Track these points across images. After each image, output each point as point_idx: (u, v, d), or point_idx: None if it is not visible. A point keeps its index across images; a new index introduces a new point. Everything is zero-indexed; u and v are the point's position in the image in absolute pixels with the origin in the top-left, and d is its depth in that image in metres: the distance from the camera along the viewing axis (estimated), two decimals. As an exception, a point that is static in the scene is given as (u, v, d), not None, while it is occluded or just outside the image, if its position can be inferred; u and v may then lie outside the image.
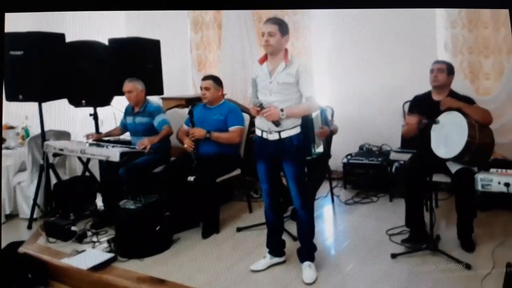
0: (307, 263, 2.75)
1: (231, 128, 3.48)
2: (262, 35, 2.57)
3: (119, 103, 3.84)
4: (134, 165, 3.39)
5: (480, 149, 2.85)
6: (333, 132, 3.71)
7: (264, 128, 2.65)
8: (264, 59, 2.64)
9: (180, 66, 4.97)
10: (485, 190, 2.46)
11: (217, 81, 3.55)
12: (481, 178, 2.46)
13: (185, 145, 3.44)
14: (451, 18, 4.10)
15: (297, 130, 2.64)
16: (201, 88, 3.55)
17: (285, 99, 2.59)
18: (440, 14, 4.16)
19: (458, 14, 4.07)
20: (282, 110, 2.55)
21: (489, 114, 2.97)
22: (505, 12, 3.92)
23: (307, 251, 2.78)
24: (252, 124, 3.69)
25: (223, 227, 3.45)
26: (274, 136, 2.63)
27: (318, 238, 3.36)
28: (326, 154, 3.71)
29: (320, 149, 3.58)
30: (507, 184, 2.40)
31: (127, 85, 3.57)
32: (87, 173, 3.84)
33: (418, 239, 3.01)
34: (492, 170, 2.50)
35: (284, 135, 2.62)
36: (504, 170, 2.48)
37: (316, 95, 2.64)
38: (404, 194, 3.25)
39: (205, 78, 3.60)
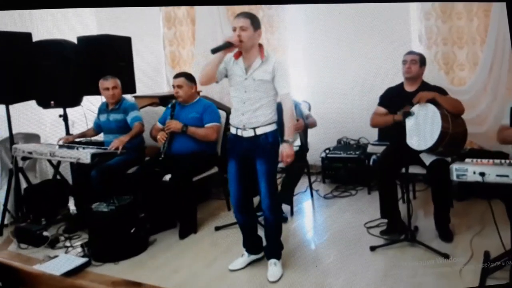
0: (272, 260, 2.72)
1: (207, 125, 3.42)
2: (233, 30, 2.50)
3: (90, 103, 3.74)
4: (106, 166, 3.30)
5: (453, 140, 2.87)
6: (308, 126, 3.70)
7: (238, 125, 2.61)
8: (239, 54, 2.57)
9: (153, 63, 4.88)
10: (460, 180, 2.45)
11: (189, 78, 3.48)
12: (456, 168, 2.44)
13: (158, 137, 3.36)
14: (425, 10, 4.12)
15: (273, 126, 2.60)
16: (173, 86, 3.48)
17: (260, 96, 2.55)
18: (414, 6, 4.17)
19: (432, 5, 4.08)
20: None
21: (460, 104, 2.99)
22: (477, 2, 3.97)
23: (274, 249, 2.75)
24: (228, 121, 3.65)
25: (201, 227, 3.40)
26: (249, 133, 2.58)
27: (298, 232, 3.36)
28: (304, 147, 3.69)
29: (297, 142, 3.57)
30: (482, 174, 2.39)
31: (110, 81, 3.49)
32: (58, 177, 3.73)
33: (396, 230, 3.00)
34: (467, 160, 2.49)
35: (259, 131, 2.57)
36: (479, 160, 2.47)
37: (292, 92, 2.61)
38: (378, 185, 3.28)
39: (177, 75, 3.52)
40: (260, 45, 2.56)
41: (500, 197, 2.61)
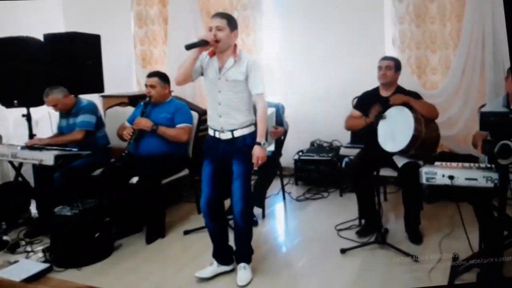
0: (242, 264, 2.67)
1: (179, 126, 3.34)
2: (209, 30, 2.45)
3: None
4: (70, 168, 3.20)
5: (426, 143, 2.89)
6: (286, 132, 3.67)
7: (216, 128, 2.57)
8: (213, 52, 2.52)
9: (123, 62, 4.79)
10: (429, 183, 2.46)
11: (163, 78, 3.40)
12: (425, 171, 2.44)
13: (124, 132, 3.27)
14: (399, 14, 4.16)
15: (251, 129, 2.57)
16: (146, 85, 3.39)
17: (234, 97, 2.51)
18: (388, 10, 4.21)
19: (406, 9, 4.12)
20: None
21: (435, 109, 3.02)
22: (450, 7, 4.02)
23: (243, 253, 2.70)
24: (201, 122, 3.59)
25: (170, 231, 3.32)
26: (227, 135, 2.55)
27: (270, 236, 3.32)
28: (277, 153, 3.66)
29: (271, 147, 3.53)
30: (451, 177, 2.40)
31: (47, 101, 3.40)
32: (19, 179, 3.59)
33: (373, 230, 3.00)
34: (436, 163, 2.50)
35: (237, 134, 2.55)
36: (448, 163, 2.48)
37: (266, 93, 2.58)
38: (354, 188, 3.30)
39: (151, 74, 3.44)
40: (235, 45, 2.53)
41: (468, 200, 2.63)
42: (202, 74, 2.58)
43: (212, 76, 2.53)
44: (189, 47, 2.39)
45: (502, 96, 2.83)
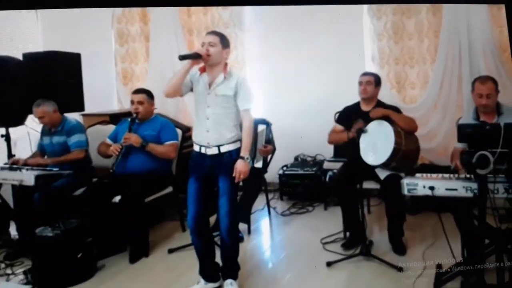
0: (228, 281, 2.66)
1: (167, 143, 3.33)
2: (202, 46, 2.53)
3: (34, 122, 3.55)
4: (51, 189, 3.14)
5: (406, 155, 2.95)
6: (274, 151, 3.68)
7: (202, 143, 2.58)
8: (204, 69, 2.58)
9: (103, 80, 4.74)
10: (411, 194, 2.51)
11: (150, 95, 3.41)
12: (407, 183, 2.50)
13: (111, 148, 3.23)
14: (378, 31, 4.27)
15: (237, 144, 2.58)
16: (132, 102, 3.37)
17: (222, 112, 2.55)
18: (367, 27, 4.32)
19: (384, 26, 4.24)
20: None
21: (414, 122, 3.10)
22: (427, 24, 4.15)
23: (230, 270, 2.69)
24: (184, 139, 3.57)
25: (154, 250, 3.27)
26: (213, 151, 2.56)
27: (255, 252, 3.31)
28: (263, 170, 3.67)
29: (259, 164, 3.55)
30: (431, 188, 2.45)
31: (36, 111, 3.34)
32: (-2, 200, 3.50)
33: (359, 243, 3.02)
34: (417, 175, 2.56)
35: (223, 149, 2.56)
36: (428, 175, 2.54)
37: (253, 109, 2.61)
38: (339, 201, 3.33)
39: (137, 91, 3.43)
40: (226, 64, 2.59)
41: (449, 210, 2.67)
42: (191, 89, 2.62)
43: (201, 91, 2.57)
44: (182, 57, 2.47)
45: (473, 109, 2.91)
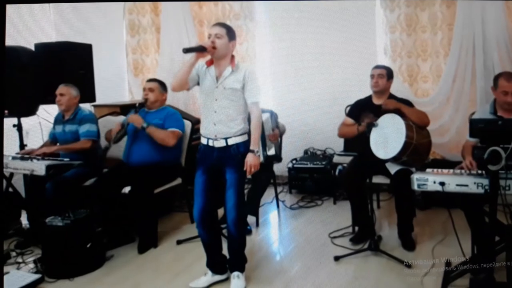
0: (235, 273, 2.65)
1: (169, 129, 3.30)
2: (208, 37, 2.49)
3: (46, 112, 3.58)
4: (62, 178, 3.16)
5: (417, 150, 2.91)
6: (282, 133, 3.69)
7: (210, 136, 2.56)
8: (211, 62, 2.55)
9: (115, 71, 4.77)
10: (421, 189, 2.48)
11: (163, 85, 3.41)
12: (417, 178, 2.47)
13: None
14: (390, 24, 4.21)
15: (245, 137, 2.57)
16: (144, 89, 3.39)
17: (230, 105, 2.53)
18: (379, 19, 4.26)
19: (397, 19, 4.17)
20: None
21: (426, 116, 3.04)
22: (441, 16, 4.08)
23: (237, 262, 2.68)
24: (194, 131, 3.58)
25: (162, 241, 3.29)
26: (220, 143, 2.54)
27: (263, 244, 3.31)
28: (278, 157, 3.67)
29: (271, 151, 3.55)
30: (442, 183, 2.42)
31: (61, 88, 3.37)
32: (10, 189, 3.53)
33: (367, 237, 3.00)
34: (428, 170, 2.53)
35: (231, 142, 2.54)
36: (439, 170, 2.51)
37: (261, 101, 2.59)
38: (348, 195, 3.31)
39: (151, 80, 3.47)
40: (232, 56, 2.56)
41: (460, 206, 2.64)
42: (198, 83, 2.59)
43: (209, 84, 2.54)
44: (187, 50, 2.42)
45: (489, 103, 2.85)
